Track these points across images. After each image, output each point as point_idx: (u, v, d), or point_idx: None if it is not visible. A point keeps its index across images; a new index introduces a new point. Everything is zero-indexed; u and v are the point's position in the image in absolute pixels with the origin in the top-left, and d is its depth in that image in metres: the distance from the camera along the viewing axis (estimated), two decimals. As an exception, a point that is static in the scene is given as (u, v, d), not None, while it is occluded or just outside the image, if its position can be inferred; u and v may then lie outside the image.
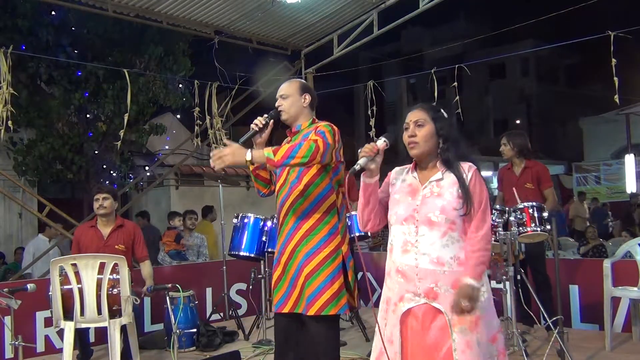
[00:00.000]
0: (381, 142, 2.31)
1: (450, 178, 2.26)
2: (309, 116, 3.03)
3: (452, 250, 2.20)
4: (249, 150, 2.66)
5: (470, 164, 2.28)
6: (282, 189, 2.99)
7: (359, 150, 2.27)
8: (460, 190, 2.22)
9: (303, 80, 3.17)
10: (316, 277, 2.84)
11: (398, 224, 2.29)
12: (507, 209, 4.21)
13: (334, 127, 2.90)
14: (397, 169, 2.43)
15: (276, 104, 3.01)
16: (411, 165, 2.38)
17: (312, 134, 2.86)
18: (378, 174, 2.32)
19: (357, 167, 2.27)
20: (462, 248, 2.21)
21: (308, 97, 3.01)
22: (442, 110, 2.35)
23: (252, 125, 2.91)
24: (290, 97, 2.99)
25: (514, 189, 4.58)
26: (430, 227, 2.22)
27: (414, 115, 2.32)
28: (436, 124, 2.29)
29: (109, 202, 4.47)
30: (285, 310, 2.91)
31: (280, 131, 3.02)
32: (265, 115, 2.92)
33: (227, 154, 2.65)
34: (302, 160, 2.68)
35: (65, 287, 3.90)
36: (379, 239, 8.46)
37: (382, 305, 2.37)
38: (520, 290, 4.26)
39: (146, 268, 4.54)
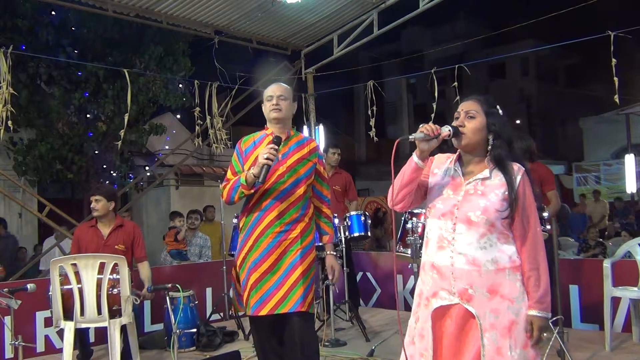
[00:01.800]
0: (445, 130, 2.16)
1: (498, 178, 2.16)
2: (290, 123, 3.16)
3: (490, 252, 2.12)
4: (338, 258, 3.21)
5: (520, 165, 2.18)
6: (274, 187, 2.97)
7: (421, 125, 2.16)
8: (507, 193, 2.12)
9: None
10: (308, 276, 2.98)
11: (436, 217, 2.22)
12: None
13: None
14: (440, 155, 2.31)
15: (274, 102, 3.04)
16: (455, 155, 2.28)
17: (315, 158, 3.10)
18: (428, 160, 2.22)
19: (411, 137, 2.14)
20: (500, 250, 2.13)
21: (295, 107, 3.16)
22: (497, 106, 2.24)
23: (264, 162, 2.82)
24: (288, 100, 3.08)
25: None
26: (468, 227, 2.14)
27: (467, 106, 2.22)
28: (488, 118, 2.19)
29: (100, 205, 4.44)
30: (264, 312, 2.92)
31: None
32: (272, 146, 2.86)
33: (338, 271, 3.20)
34: None
35: (65, 287, 3.90)
36: (366, 242, 8.48)
37: (415, 299, 2.32)
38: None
39: (144, 269, 4.53)
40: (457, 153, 2.27)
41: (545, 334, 2.12)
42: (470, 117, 2.19)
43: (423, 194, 2.30)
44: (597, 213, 13.14)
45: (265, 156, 2.81)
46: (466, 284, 2.13)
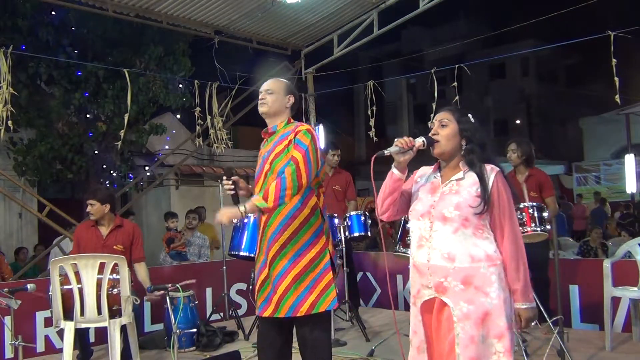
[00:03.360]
0: (419, 140, 2.33)
1: (471, 178, 2.30)
2: (286, 116, 3.04)
3: (465, 246, 2.24)
4: (241, 205, 2.76)
5: (493, 166, 2.31)
6: (263, 187, 2.92)
7: (396, 139, 2.32)
8: (479, 190, 2.25)
9: (289, 82, 3.16)
10: (304, 280, 2.84)
11: (415, 219, 2.37)
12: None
13: (313, 131, 2.93)
14: (424, 168, 2.50)
15: (260, 97, 3.03)
16: (435, 165, 2.45)
17: (292, 135, 2.89)
18: (406, 170, 2.36)
19: (385, 152, 2.29)
20: (475, 245, 2.24)
21: (292, 99, 3.03)
22: (469, 115, 2.41)
23: (228, 192, 2.94)
24: (275, 93, 3.01)
25: (526, 191, 4.63)
26: (443, 223, 2.27)
27: (440, 116, 2.40)
28: (460, 125, 2.35)
29: (95, 209, 4.43)
30: (266, 314, 2.90)
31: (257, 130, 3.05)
32: (226, 179, 2.92)
33: (224, 213, 2.74)
34: (294, 190, 2.75)
35: (65, 287, 3.90)
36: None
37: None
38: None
39: (142, 270, 4.51)
40: (437, 162, 2.44)
41: (532, 323, 2.27)
42: (442, 126, 2.36)
43: (408, 201, 2.45)
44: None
45: (226, 191, 2.88)
46: (441, 277, 2.26)
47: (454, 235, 2.24)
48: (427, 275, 2.29)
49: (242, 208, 2.72)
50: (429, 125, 2.44)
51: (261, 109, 3.01)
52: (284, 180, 2.73)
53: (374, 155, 2.33)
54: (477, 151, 2.32)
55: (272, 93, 3.00)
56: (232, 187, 2.90)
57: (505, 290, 2.26)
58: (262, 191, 2.76)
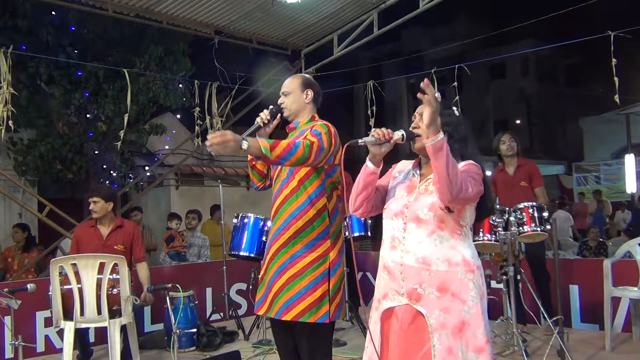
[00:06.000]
0: (398, 134, 2.15)
1: None
2: (310, 112, 2.94)
3: (441, 250, 2.10)
4: (246, 139, 2.50)
5: (471, 161, 2.16)
6: (275, 184, 2.92)
7: (373, 129, 2.16)
8: None
9: (307, 76, 3.07)
10: (298, 282, 2.72)
11: (389, 218, 2.23)
12: (507, 209, 4.21)
13: (331, 127, 2.80)
14: (403, 162, 2.35)
15: (279, 101, 2.94)
16: (415, 161, 2.30)
17: (308, 132, 2.77)
18: (381, 164, 2.20)
19: (360, 141, 2.14)
20: (452, 248, 2.11)
21: (310, 93, 2.92)
22: (453, 108, 2.27)
23: (257, 120, 2.84)
24: (292, 93, 2.91)
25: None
26: (417, 224, 2.13)
27: (422, 108, 2.16)
28: (442, 119, 2.12)
29: (98, 206, 4.44)
30: (261, 312, 2.86)
31: (281, 130, 3.00)
32: (271, 107, 2.87)
33: (217, 137, 2.52)
34: (297, 161, 2.61)
35: (65, 287, 3.90)
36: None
37: (372, 303, 2.33)
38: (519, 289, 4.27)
39: (143, 271, 4.51)
40: (418, 157, 2.29)
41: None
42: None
43: (384, 197, 2.29)
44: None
45: (258, 120, 2.82)
46: (415, 284, 2.11)
47: (428, 238, 2.11)
48: (399, 280, 2.14)
49: (244, 144, 2.46)
50: (412, 118, 2.25)
51: (284, 114, 2.93)
52: (296, 147, 2.57)
53: (346, 144, 2.17)
54: (457, 148, 2.17)
55: (288, 94, 2.92)
56: (266, 121, 2.82)
57: (483, 299, 2.14)
58: (273, 141, 2.55)
